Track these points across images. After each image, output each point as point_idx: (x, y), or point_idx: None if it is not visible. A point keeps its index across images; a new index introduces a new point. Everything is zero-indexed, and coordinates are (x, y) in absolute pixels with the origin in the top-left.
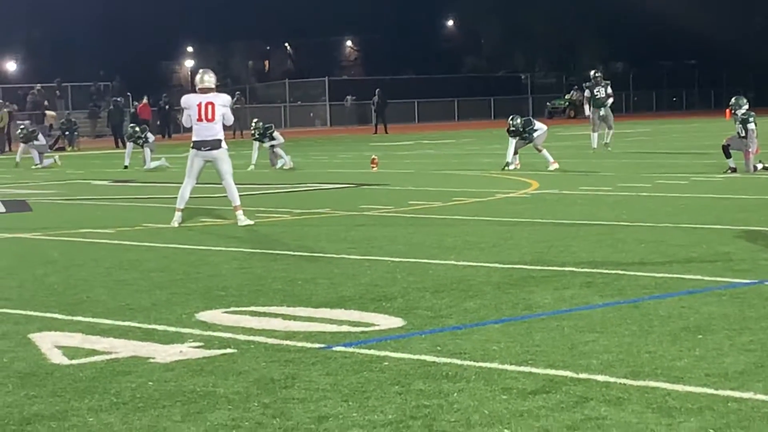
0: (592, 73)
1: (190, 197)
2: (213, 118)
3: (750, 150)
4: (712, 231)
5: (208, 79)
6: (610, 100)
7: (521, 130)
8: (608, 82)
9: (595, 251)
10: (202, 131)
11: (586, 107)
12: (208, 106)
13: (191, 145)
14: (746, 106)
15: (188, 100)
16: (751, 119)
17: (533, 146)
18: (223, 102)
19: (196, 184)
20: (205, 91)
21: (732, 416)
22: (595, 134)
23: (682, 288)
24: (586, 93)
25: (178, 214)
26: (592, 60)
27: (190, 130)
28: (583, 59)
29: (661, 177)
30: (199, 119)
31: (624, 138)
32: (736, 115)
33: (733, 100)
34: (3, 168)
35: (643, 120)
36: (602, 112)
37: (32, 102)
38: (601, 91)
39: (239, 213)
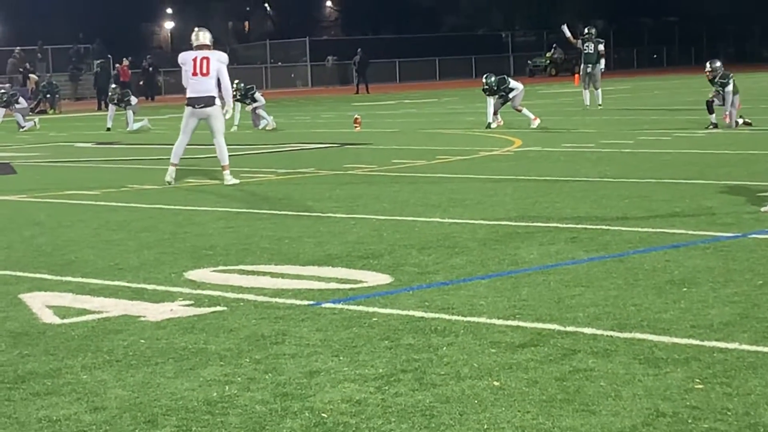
0: (585, 29)
1: (182, 156)
2: (208, 73)
3: (727, 113)
4: (695, 186)
5: (203, 36)
6: (602, 61)
7: (495, 88)
8: (601, 40)
9: (579, 207)
10: (196, 86)
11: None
12: (203, 61)
13: (186, 102)
14: (721, 70)
15: (184, 57)
16: (728, 81)
17: (512, 107)
18: (218, 58)
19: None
20: (201, 48)
21: (718, 366)
22: (587, 91)
23: (667, 242)
24: (578, 43)
25: (171, 169)
26: (572, 17)
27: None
28: (563, 17)
29: (644, 133)
30: (194, 73)
31: (606, 95)
32: (715, 81)
33: (707, 66)
34: None
35: (624, 77)
36: (590, 69)
37: (12, 65)
38: (590, 47)
39: (226, 173)
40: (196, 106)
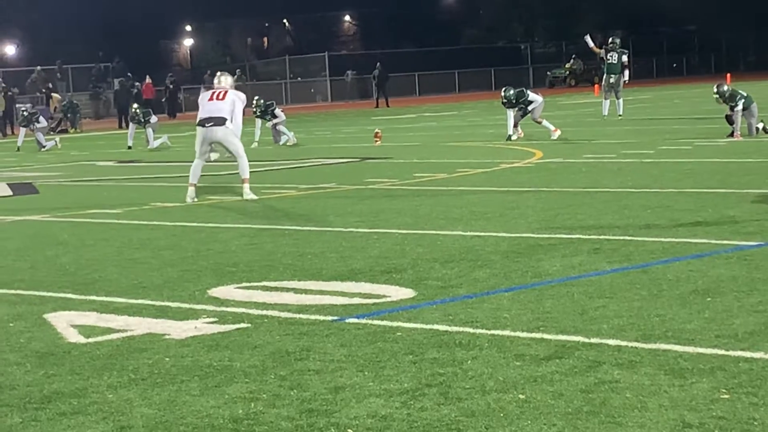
0: (609, 39)
1: (201, 174)
2: (223, 98)
3: (736, 133)
4: (718, 195)
5: (225, 80)
6: (626, 72)
7: (514, 101)
8: (625, 50)
9: (602, 218)
10: (209, 106)
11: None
12: (222, 92)
13: (196, 123)
14: (728, 92)
15: (203, 94)
16: (737, 102)
17: (532, 119)
18: (237, 94)
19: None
20: None
21: (743, 376)
22: (607, 101)
23: (690, 252)
24: (602, 54)
25: (191, 189)
26: (592, 28)
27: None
28: (582, 28)
29: (665, 143)
30: (210, 99)
31: (626, 105)
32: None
33: (714, 90)
34: (6, 152)
35: (644, 87)
36: (612, 79)
37: (33, 84)
38: (613, 57)
39: (246, 186)
40: (206, 125)
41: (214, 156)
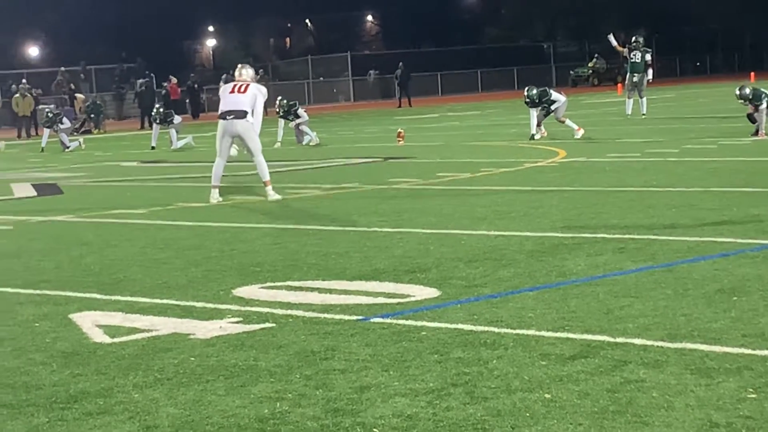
0: (633, 38)
1: (223, 174)
2: (245, 92)
3: (761, 131)
4: (743, 194)
5: (246, 72)
6: (650, 71)
7: (537, 100)
8: (648, 49)
9: (626, 217)
10: (230, 99)
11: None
12: (243, 85)
13: (218, 116)
14: (751, 94)
15: (224, 87)
16: (761, 101)
17: (555, 118)
18: (258, 87)
19: (227, 162)
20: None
21: None
22: (630, 100)
23: (715, 251)
24: (625, 53)
25: (214, 191)
26: (614, 27)
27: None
28: (604, 27)
29: (689, 142)
30: (231, 92)
31: (650, 104)
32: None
33: (737, 93)
34: (30, 152)
35: (667, 86)
36: (635, 78)
37: (59, 85)
38: (637, 56)
39: (269, 188)
40: (227, 117)
41: (234, 152)
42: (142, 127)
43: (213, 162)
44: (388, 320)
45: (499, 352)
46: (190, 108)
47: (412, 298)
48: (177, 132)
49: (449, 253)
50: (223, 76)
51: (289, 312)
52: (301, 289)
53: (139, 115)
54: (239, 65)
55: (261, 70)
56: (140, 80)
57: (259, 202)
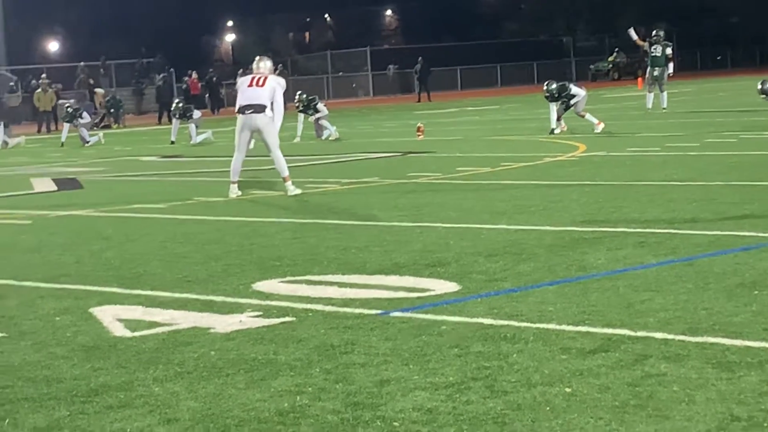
0: (653, 32)
1: (241, 169)
2: (263, 85)
3: None
4: (764, 188)
5: (264, 65)
6: (671, 65)
7: (556, 95)
8: (669, 43)
9: (647, 211)
10: (248, 93)
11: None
12: (261, 78)
13: (236, 111)
14: None
15: (241, 79)
16: None
17: (575, 113)
18: (276, 79)
19: (246, 157)
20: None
21: None
22: (651, 94)
23: (736, 245)
24: (646, 47)
25: (233, 187)
26: (634, 21)
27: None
28: (624, 21)
29: (709, 136)
30: (249, 85)
31: (670, 98)
32: None
33: (759, 87)
34: (50, 147)
35: (688, 79)
36: (656, 72)
37: (82, 81)
38: (657, 50)
39: (288, 183)
40: (246, 112)
41: (251, 144)
42: (160, 122)
43: (232, 157)
44: (408, 314)
45: (519, 346)
46: (209, 103)
47: (432, 293)
48: (196, 127)
49: (469, 247)
50: (239, 72)
51: (308, 306)
52: (320, 283)
53: (157, 109)
54: (257, 57)
55: (280, 65)
56: (159, 75)
57: (278, 196)
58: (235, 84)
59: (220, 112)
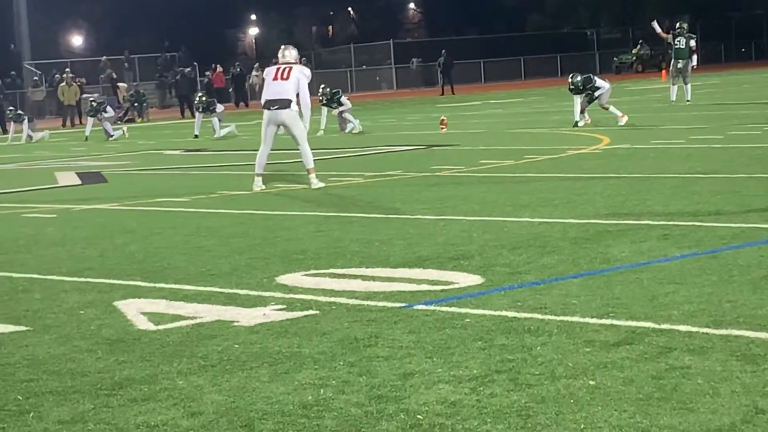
0: (677, 24)
1: (266, 162)
2: (287, 77)
3: None
4: None
5: (289, 54)
6: (695, 57)
7: (581, 87)
8: (693, 35)
9: (671, 204)
10: (273, 87)
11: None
12: (286, 69)
13: (262, 105)
14: None
15: (267, 70)
16: None
17: (599, 105)
18: (301, 70)
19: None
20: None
21: None
22: (675, 87)
23: (761, 237)
24: (670, 39)
25: (258, 179)
26: (658, 13)
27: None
28: (648, 13)
29: (734, 128)
30: (274, 78)
31: (694, 90)
32: None
33: None
34: (74, 141)
35: (712, 72)
36: (680, 64)
37: (108, 76)
38: (681, 42)
39: (312, 176)
40: (272, 108)
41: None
42: (183, 116)
43: (256, 150)
44: (432, 307)
45: (543, 338)
46: (234, 96)
47: (456, 285)
48: (219, 120)
49: (493, 240)
50: (256, 65)
51: (332, 299)
52: (344, 276)
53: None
54: (282, 46)
55: (303, 59)
56: (178, 69)
57: (302, 189)
58: (258, 76)
59: (249, 105)
